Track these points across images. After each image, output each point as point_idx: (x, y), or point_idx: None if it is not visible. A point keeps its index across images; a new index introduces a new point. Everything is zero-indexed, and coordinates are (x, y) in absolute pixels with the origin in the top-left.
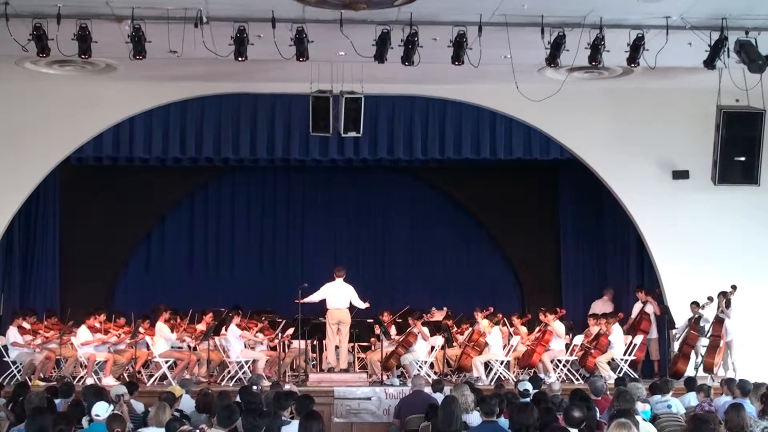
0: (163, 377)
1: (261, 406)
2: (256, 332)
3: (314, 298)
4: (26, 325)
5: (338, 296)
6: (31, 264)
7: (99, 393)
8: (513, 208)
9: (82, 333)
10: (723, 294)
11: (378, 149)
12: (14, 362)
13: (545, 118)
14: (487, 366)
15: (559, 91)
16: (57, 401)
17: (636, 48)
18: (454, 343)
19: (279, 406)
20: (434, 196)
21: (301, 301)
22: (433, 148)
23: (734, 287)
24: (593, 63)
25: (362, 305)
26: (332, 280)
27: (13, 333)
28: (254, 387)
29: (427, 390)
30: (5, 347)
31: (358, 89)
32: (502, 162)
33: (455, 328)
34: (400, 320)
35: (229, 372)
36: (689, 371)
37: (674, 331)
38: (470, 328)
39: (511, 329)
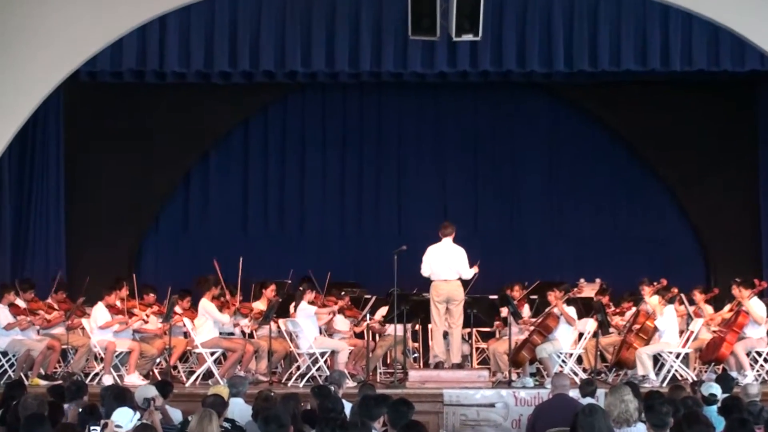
0: (209, 375)
1: (342, 414)
2: (335, 312)
3: (423, 269)
4: (21, 303)
5: (444, 263)
6: (27, 219)
7: (121, 396)
8: (693, 142)
9: (98, 313)
10: None
11: (504, 58)
12: (4, 353)
13: (739, 14)
14: (658, 360)
15: None
16: (64, 407)
17: None
18: (611, 329)
19: (367, 415)
20: (582, 123)
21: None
22: (580, 57)
23: None
24: None
25: (469, 274)
26: (438, 240)
27: (2, 314)
28: (333, 388)
29: (573, 394)
30: None
31: None
32: (678, 76)
33: (612, 308)
34: (535, 297)
35: (298, 368)
36: None
37: None
38: (634, 308)
39: (691, 309)
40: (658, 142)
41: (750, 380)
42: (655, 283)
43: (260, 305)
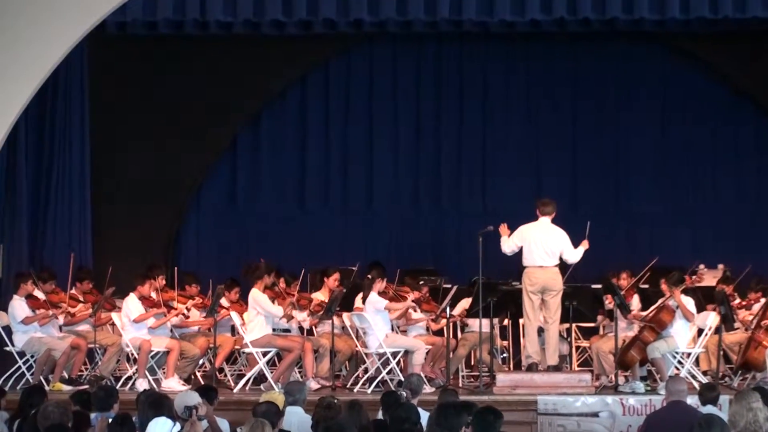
0: (261, 379)
1: (417, 425)
2: (410, 305)
3: (506, 245)
4: (39, 294)
5: (541, 246)
6: (47, 196)
7: (158, 403)
8: None
9: (131, 307)
10: None
11: (608, 4)
12: (21, 353)
13: None
14: None
15: None
16: (91, 416)
17: None
18: (737, 324)
19: (448, 426)
20: (701, 80)
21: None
22: (699, 2)
23: None
24: None
25: (576, 255)
26: (534, 219)
27: (19, 307)
28: (406, 394)
29: (692, 401)
30: (7, 329)
31: None
32: None
33: (738, 300)
34: (646, 285)
35: (366, 370)
36: None
37: None
38: (763, 299)
39: None
40: None
41: None
42: None
43: (321, 296)
